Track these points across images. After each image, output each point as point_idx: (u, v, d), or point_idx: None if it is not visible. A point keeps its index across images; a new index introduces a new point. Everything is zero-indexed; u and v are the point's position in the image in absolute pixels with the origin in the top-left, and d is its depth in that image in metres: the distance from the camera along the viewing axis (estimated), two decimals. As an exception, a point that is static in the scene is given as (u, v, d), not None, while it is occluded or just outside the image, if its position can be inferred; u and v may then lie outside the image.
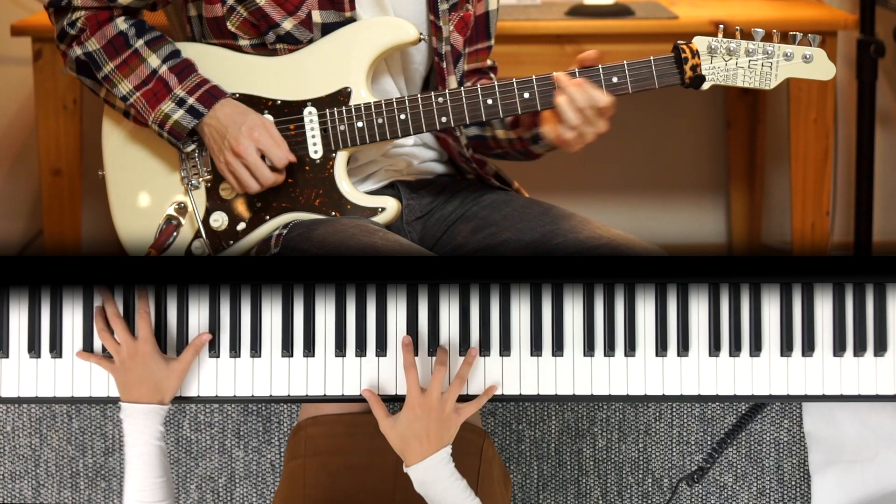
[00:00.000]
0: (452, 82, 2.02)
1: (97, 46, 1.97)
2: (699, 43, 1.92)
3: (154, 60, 1.97)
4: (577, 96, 1.88)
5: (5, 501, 2.52)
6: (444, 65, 2.01)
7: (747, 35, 1.92)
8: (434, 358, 1.83)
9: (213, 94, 1.95)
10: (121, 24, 1.98)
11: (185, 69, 1.97)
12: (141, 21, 2.01)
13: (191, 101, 1.94)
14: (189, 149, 1.99)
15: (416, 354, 1.82)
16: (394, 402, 1.82)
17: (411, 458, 1.73)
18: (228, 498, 2.52)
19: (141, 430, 1.74)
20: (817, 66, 1.92)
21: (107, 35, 1.97)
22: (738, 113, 3.74)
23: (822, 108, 3.25)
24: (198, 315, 1.85)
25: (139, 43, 1.97)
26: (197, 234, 2.01)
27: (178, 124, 1.95)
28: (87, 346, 1.84)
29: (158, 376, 1.77)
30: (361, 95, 1.96)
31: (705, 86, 1.93)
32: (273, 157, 1.93)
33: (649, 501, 2.51)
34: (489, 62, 2.17)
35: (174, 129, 1.96)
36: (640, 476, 2.51)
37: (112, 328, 1.81)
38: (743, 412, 2.37)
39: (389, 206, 1.98)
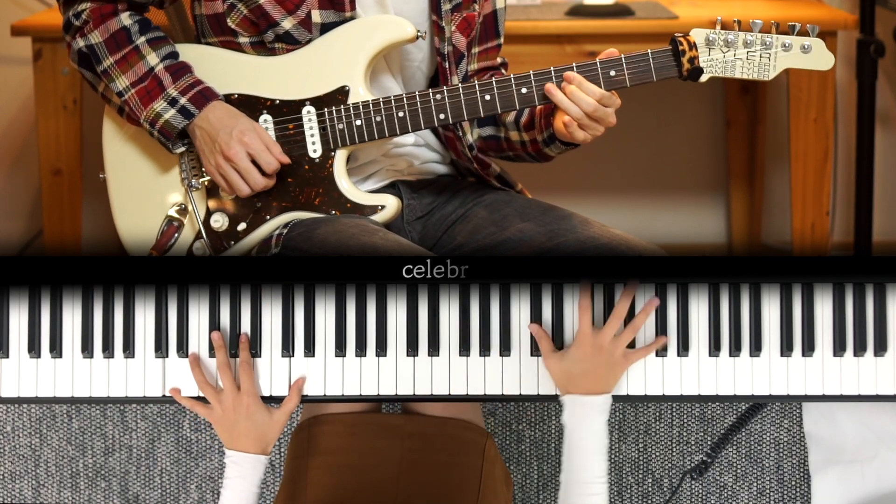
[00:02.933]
0: (455, 82, 2.02)
1: (99, 40, 1.98)
2: (697, 35, 1.91)
3: (153, 58, 1.97)
4: (575, 93, 1.89)
5: (5, 501, 2.52)
6: (447, 65, 2.01)
7: (745, 26, 1.91)
8: (433, 359, 1.82)
9: (205, 96, 1.95)
10: (125, 19, 1.98)
11: (180, 69, 1.97)
12: (145, 19, 2.01)
13: (183, 101, 1.94)
14: (178, 151, 1.99)
15: (417, 355, 1.82)
16: (395, 403, 1.82)
17: (573, 390, 1.73)
18: (228, 498, 2.51)
19: (244, 476, 1.77)
20: (816, 55, 1.91)
21: (110, 29, 1.98)
22: (738, 113, 3.73)
23: (822, 108, 3.25)
24: (198, 315, 1.85)
25: (141, 40, 1.98)
26: (198, 236, 2.01)
27: (169, 124, 1.95)
28: (86, 346, 1.84)
29: (263, 428, 1.79)
30: (360, 93, 1.96)
31: (703, 78, 1.92)
32: (262, 163, 1.93)
33: (649, 501, 2.50)
34: (499, 59, 2.17)
35: (164, 129, 1.95)
36: (640, 476, 2.51)
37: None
38: (747, 405, 2.37)
39: (389, 204, 1.98)
